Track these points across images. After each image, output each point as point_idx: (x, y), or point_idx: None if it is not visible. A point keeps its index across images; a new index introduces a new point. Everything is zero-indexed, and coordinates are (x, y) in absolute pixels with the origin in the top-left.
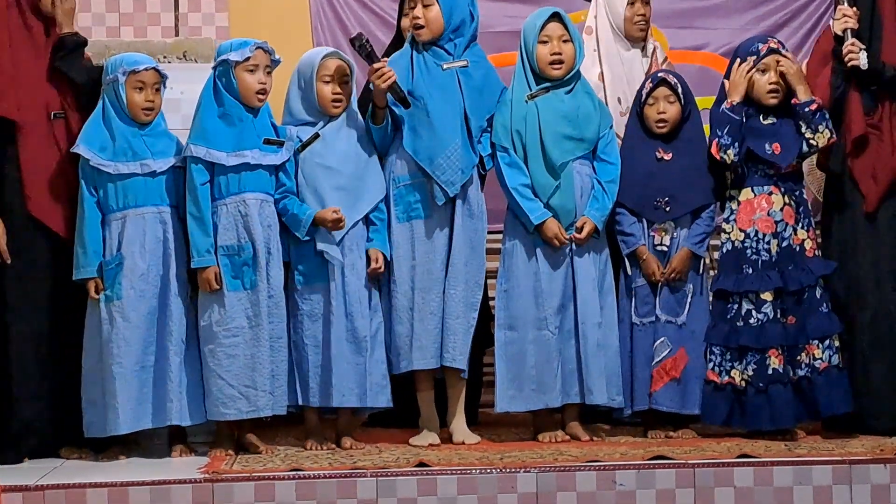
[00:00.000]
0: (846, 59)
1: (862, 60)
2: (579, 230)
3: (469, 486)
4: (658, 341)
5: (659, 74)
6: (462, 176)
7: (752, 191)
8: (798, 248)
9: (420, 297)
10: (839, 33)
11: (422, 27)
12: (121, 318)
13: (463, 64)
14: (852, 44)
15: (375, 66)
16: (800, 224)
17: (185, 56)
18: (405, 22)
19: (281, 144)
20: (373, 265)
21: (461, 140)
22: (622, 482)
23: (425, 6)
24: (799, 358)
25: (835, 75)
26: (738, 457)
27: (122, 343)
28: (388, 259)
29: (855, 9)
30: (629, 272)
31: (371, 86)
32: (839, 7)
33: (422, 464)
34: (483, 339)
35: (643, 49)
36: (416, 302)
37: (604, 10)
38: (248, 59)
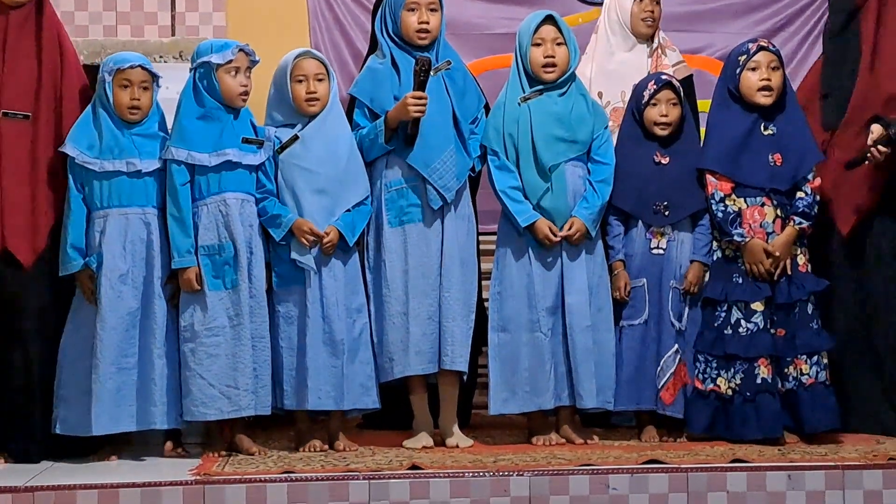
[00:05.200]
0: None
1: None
2: (568, 230)
3: (462, 489)
4: (671, 350)
5: (663, 77)
6: (457, 182)
7: (745, 202)
8: (790, 262)
9: (416, 302)
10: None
11: (427, 32)
12: (98, 319)
13: (446, 65)
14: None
15: (421, 94)
16: None
17: (181, 56)
18: (412, 22)
19: (260, 144)
20: (325, 237)
21: (454, 145)
22: (615, 486)
23: (431, 10)
24: (787, 370)
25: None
26: (732, 461)
27: (99, 343)
28: (347, 241)
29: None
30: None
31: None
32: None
33: (415, 466)
34: (477, 340)
35: (649, 47)
36: (412, 307)
37: (613, 5)
38: (230, 61)
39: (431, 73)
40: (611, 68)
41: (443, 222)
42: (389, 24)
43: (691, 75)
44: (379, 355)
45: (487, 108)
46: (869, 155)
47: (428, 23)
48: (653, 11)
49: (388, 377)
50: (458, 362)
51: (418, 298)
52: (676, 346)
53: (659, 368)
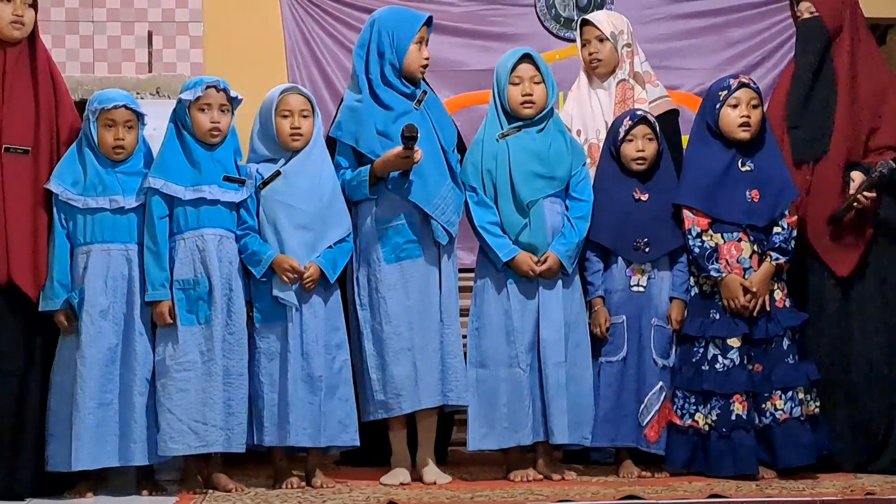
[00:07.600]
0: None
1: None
2: (542, 264)
3: None
4: (655, 387)
5: (638, 112)
6: (457, 216)
7: (722, 237)
8: (768, 298)
9: (420, 337)
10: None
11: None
12: (78, 354)
13: (423, 95)
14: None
15: (414, 152)
16: None
17: (158, 92)
18: (417, 58)
19: (242, 182)
20: (305, 272)
21: (449, 180)
22: None
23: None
24: (764, 406)
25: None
26: (709, 497)
27: (79, 379)
28: (328, 278)
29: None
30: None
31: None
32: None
33: (392, 503)
34: None
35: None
36: (416, 342)
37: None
38: (199, 98)
39: (414, 106)
40: (588, 107)
41: (439, 259)
42: (376, 63)
43: (675, 110)
44: (380, 392)
45: (459, 137)
46: (855, 203)
47: (429, 58)
48: (598, 52)
49: (397, 412)
50: (465, 397)
51: (423, 333)
52: (661, 383)
53: (643, 406)
